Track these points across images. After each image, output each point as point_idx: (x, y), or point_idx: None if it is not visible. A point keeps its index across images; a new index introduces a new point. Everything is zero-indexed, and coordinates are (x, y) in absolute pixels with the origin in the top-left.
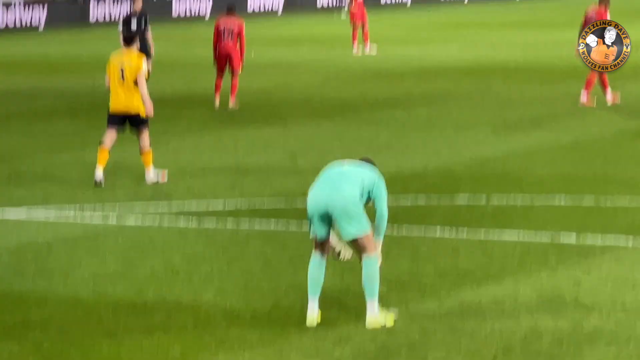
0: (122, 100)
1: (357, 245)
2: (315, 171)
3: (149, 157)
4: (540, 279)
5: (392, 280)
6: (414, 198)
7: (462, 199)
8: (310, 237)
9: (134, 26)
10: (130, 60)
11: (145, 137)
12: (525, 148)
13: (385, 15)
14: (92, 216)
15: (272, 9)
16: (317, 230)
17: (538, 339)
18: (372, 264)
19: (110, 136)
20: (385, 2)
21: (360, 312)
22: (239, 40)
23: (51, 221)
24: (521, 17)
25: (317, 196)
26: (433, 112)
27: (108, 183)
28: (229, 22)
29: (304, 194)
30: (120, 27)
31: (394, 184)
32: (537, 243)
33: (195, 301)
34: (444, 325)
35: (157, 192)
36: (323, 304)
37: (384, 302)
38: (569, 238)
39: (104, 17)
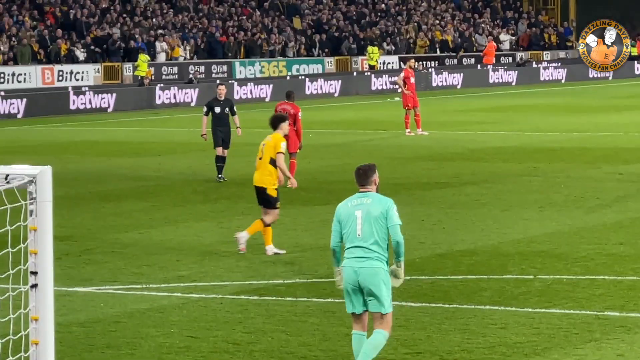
0: (256, 175)
1: (375, 318)
2: None
3: (267, 234)
4: (585, 353)
5: (443, 355)
6: (465, 274)
7: (510, 276)
8: (348, 311)
9: (217, 111)
10: (271, 139)
11: (269, 214)
12: (570, 227)
13: (437, 96)
14: (158, 290)
15: (329, 92)
16: (354, 304)
17: None
18: (382, 338)
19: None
20: (437, 84)
21: None
22: (295, 123)
23: (119, 296)
24: (566, 101)
25: (348, 270)
26: (482, 192)
27: (172, 261)
28: (285, 107)
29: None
30: (204, 112)
31: (445, 260)
32: (582, 318)
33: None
34: None
35: (218, 269)
36: None
37: None
38: (613, 313)
39: (170, 101)
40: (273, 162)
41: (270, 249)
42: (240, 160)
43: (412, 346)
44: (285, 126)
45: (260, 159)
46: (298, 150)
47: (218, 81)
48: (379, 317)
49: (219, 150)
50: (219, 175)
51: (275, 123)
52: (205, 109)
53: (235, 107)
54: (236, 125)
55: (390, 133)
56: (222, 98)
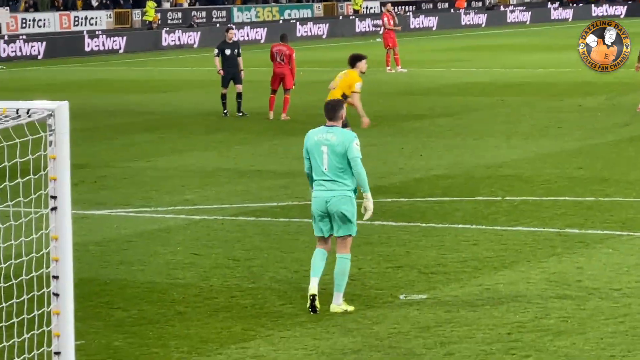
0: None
1: (338, 242)
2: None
3: None
4: (548, 266)
5: (420, 268)
6: (440, 196)
7: (481, 198)
8: (316, 234)
9: (227, 53)
10: (348, 75)
11: None
12: (535, 153)
13: (414, 37)
14: (165, 212)
15: (317, 34)
16: (322, 229)
17: (546, 317)
18: (347, 262)
19: None
20: (414, 26)
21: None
22: (290, 62)
23: (130, 218)
24: (530, 41)
25: (319, 200)
26: (455, 123)
27: (178, 186)
28: (281, 48)
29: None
30: (215, 53)
31: (422, 184)
32: (546, 235)
33: (254, 286)
34: (466, 305)
35: (219, 193)
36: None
37: (415, 288)
38: (573, 230)
39: (175, 43)
40: (344, 96)
41: None
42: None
43: (393, 261)
44: (362, 64)
45: (333, 88)
46: (292, 87)
47: (229, 25)
48: (343, 242)
49: (224, 90)
50: (225, 112)
51: (352, 61)
52: (216, 51)
53: (240, 50)
54: (240, 67)
55: (372, 70)
56: (231, 41)
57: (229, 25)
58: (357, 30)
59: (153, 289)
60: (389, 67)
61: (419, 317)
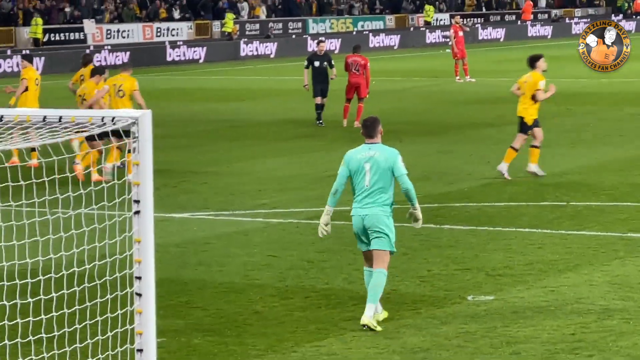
0: (518, 107)
1: (375, 256)
2: (425, 179)
3: (533, 155)
4: (611, 269)
5: (488, 270)
6: (507, 201)
7: (546, 203)
8: (361, 250)
9: (317, 65)
10: (531, 77)
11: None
12: (598, 161)
13: (483, 48)
14: (243, 216)
15: (389, 45)
16: (365, 244)
17: (609, 318)
18: (382, 276)
19: None
20: (482, 38)
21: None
22: (364, 72)
23: (209, 221)
24: None
25: (357, 218)
26: None
27: (254, 191)
28: (356, 58)
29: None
30: (305, 65)
31: (490, 190)
32: (609, 239)
33: (327, 287)
34: (531, 307)
35: (295, 197)
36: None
37: (483, 290)
38: (636, 235)
39: (252, 53)
40: (533, 97)
41: (530, 167)
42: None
43: (462, 263)
44: (541, 63)
45: (521, 94)
46: (366, 96)
47: (320, 38)
48: (378, 256)
49: (318, 100)
50: (319, 121)
51: (532, 62)
52: (306, 62)
53: (332, 61)
54: (331, 75)
55: (442, 80)
56: (322, 53)
57: (320, 38)
58: (428, 41)
59: (231, 289)
60: (457, 77)
61: (486, 318)
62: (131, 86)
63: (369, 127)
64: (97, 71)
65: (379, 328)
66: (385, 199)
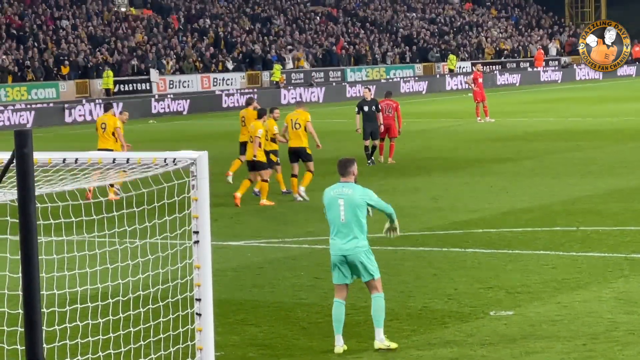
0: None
1: (368, 285)
2: (451, 208)
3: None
4: (617, 286)
5: (507, 288)
6: (524, 227)
7: (558, 228)
8: (336, 282)
9: (366, 109)
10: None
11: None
12: (604, 190)
13: (500, 92)
14: (291, 243)
15: (418, 90)
16: (344, 276)
17: (616, 330)
18: (380, 300)
19: None
20: (500, 83)
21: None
22: (396, 114)
23: (261, 248)
24: (600, 94)
25: (336, 249)
26: (536, 165)
27: (302, 220)
28: (389, 102)
29: (443, 227)
30: (356, 111)
31: (509, 217)
32: (615, 259)
33: (366, 305)
34: (547, 320)
35: None
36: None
37: (503, 306)
38: (639, 255)
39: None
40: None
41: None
42: (351, 143)
43: (484, 282)
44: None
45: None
46: (397, 136)
47: (366, 87)
48: (372, 284)
49: (367, 142)
50: (369, 161)
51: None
52: (357, 109)
53: (380, 106)
54: (379, 122)
55: (465, 121)
56: (369, 99)
57: (366, 86)
58: (450, 87)
59: (281, 308)
60: (479, 118)
61: (507, 331)
62: (306, 118)
63: (342, 166)
64: (261, 113)
65: (394, 345)
66: (361, 233)
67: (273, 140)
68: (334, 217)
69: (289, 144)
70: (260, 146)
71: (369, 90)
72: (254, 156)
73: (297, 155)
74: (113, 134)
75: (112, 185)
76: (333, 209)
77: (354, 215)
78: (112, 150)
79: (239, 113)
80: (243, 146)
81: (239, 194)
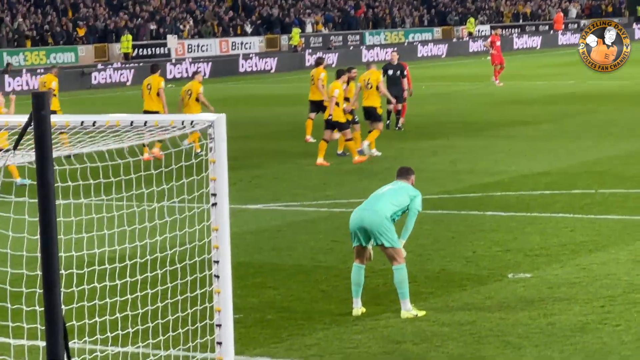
0: None
1: (388, 254)
2: (469, 172)
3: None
4: (635, 248)
5: (526, 251)
6: (542, 190)
7: (577, 191)
8: (354, 245)
9: (390, 73)
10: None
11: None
12: (624, 152)
13: (519, 56)
14: (310, 206)
15: (437, 54)
16: (358, 241)
17: (633, 291)
18: (401, 271)
19: None
20: (519, 47)
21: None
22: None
23: (280, 211)
24: None
25: (357, 216)
26: (555, 128)
27: (320, 184)
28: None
29: (461, 190)
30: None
31: (527, 180)
32: (633, 222)
33: (384, 267)
34: (565, 283)
35: (355, 189)
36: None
37: (521, 268)
38: None
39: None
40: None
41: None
42: None
43: (502, 245)
44: None
45: None
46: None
47: (393, 48)
48: (391, 254)
49: (390, 106)
50: (397, 126)
51: None
52: (381, 71)
53: (405, 71)
54: (403, 87)
55: (484, 84)
56: (395, 63)
57: (393, 48)
58: (471, 50)
59: (299, 271)
60: (497, 81)
61: (525, 293)
62: (377, 78)
63: (404, 172)
64: (340, 73)
65: (421, 312)
66: (388, 210)
67: (347, 99)
68: (375, 191)
69: (363, 103)
70: (338, 105)
71: (397, 53)
72: (330, 115)
73: (369, 114)
74: (158, 94)
75: (145, 146)
76: (380, 189)
77: (393, 197)
78: (157, 112)
79: (310, 72)
80: (313, 104)
81: (320, 159)
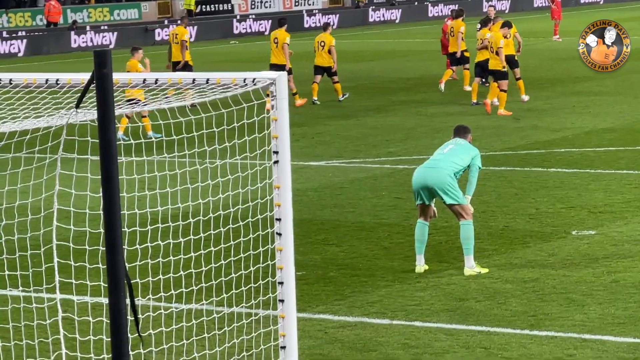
0: None
1: (454, 211)
2: (534, 128)
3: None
4: None
5: (590, 208)
6: (606, 147)
7: None
8: (417, 203)
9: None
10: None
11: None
12: None
13: (584, 11)
14: (373, 163)
15: (500, 9)
16: (421, 200)
17: None
18: (467, 227)
19: None
20: (584, 1)
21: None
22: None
23: (342, 168)
24: None
25: (420, 175)
26: (619, 84)
27: (382, 141)
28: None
29: (525, 147)
30: (478, 27)
31: (591, 136)
32: None
33: (447, 224)
34: (630, 240)
35: (418, 146)
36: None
37: (585, 225)
38: None
39: (380, 19)
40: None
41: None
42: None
43: (566, 202)
44: None
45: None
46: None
47: (490, 4)
48: (457, 211)
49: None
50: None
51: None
52: (478, 25)
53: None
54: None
55: (547, 40)
56: (493, 17)
57: (491, 2)
58: (535, 5)
59: (362, 228)
60: (557, 36)
61: (589, 250)
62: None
63: (462, 130)
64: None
65: (484, 270)
66: (453, 168)
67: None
68: (438, 152)
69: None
70: (498, 55)
71: (494, 8)
72: (503, 67)
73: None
74: (283, 48)
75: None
76: (442, 148)
77: (457, 155)
78: (283, 65)
79: (449, 25)
80: (452, 56)
81: (488, 100)
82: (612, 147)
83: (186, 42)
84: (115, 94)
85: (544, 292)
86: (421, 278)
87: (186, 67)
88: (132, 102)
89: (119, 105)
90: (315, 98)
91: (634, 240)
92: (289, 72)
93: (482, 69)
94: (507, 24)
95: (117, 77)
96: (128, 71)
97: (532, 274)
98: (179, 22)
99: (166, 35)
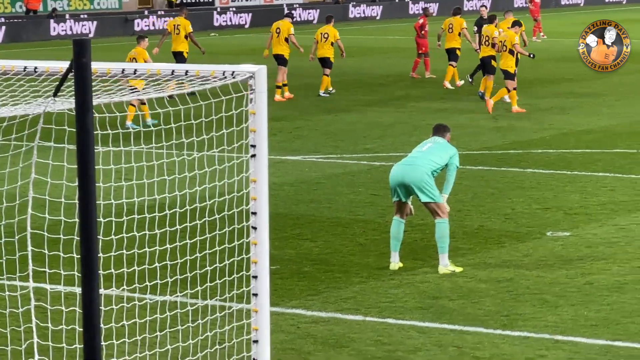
0: None
1: (430, 209)
2: (511, 128)
3: None
4: None
5: (565, 209)
6: (584, 148)
7: (618, 150)
8: (393, 200)
9: (475, 29)
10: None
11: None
12: None
13: (564, 13)
14: (350, 159)
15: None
16: (398, 197)
17: None
18: (443, 225)
19: None
20: (564, 3)
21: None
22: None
23: (319, 163)
24: None
25: (397, 172)
26: (599, 86)
27: (360, 137)
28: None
29: (502, 147)
30: (475, 29)
31: (569, 138)
32: None
33: (422, 222)
34: (604, 242)
35: (395, 143)
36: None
37: (560, 226)
38: None
39: (360, 15)
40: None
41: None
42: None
43: (542, 203)
44: None
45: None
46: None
47: (482, 4)
48: (433, 208)
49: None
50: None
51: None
52: (475, 27)
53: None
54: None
55: (527, 40)
56: (486, 17)
57: (483, 2)
58: (515, 5)
59: (338, 224)
60: (534, 37)
61: (563, 251)
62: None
63: (441, 129)
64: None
65: (458, 269)
66: (430, 167)
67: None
68: (416, 150)
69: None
70: (512, 54)
71: (485, 7)
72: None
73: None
74: (286, 39)
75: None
76: (419, 145)
77: (434, 153)
78: (283, 55)
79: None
80: (451, 53)
81: (515, 107)
82: (589, 149)
83: (192, 32)
84: (118, 83)
85: (518, 292)
86: (395, 275)
87: (179, 58)
88: (133, 90)
89: (123, 94)
90: (330, 88)
91: (608, 242)
92: (284, 64)
93: (483, 65)
94: (517, 23)
95: (96, 66)
96: (133, 58)
97: (506, 273)
98: (181, 13)
99: (145, 25)
